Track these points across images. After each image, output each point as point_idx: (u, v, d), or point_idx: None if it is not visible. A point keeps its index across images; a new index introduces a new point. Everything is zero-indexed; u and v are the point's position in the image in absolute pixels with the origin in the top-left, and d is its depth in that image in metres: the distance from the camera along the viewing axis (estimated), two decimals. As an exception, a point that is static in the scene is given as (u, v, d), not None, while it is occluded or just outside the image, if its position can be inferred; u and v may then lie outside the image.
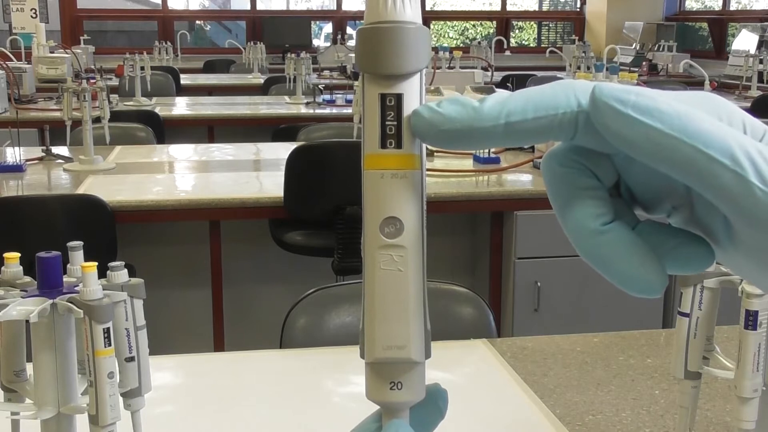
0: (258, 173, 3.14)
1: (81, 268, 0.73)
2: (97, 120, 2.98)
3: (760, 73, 5.79)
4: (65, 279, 0.78)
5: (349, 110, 4.20)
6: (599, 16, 8.95)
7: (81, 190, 2.63)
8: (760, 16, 7.54)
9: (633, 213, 0.36)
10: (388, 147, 0.37)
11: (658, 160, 0.32)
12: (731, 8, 8.23)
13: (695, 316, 0.90)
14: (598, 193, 0.35)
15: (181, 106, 5.00)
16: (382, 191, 0.37)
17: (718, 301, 0.91)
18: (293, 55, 5.01)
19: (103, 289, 0.74)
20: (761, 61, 5.81)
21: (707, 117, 0.32)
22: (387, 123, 0.37)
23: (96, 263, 0.73)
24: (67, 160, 3.07)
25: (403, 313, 0.38)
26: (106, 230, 2.45)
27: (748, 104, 4.87)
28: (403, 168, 0.37)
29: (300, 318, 1.56)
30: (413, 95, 0.37)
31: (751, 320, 0.84)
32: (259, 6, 8.93)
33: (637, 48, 7.93)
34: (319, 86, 5.18)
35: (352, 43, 7.62)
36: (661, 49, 7.69)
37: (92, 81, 3.02)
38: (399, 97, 0.37)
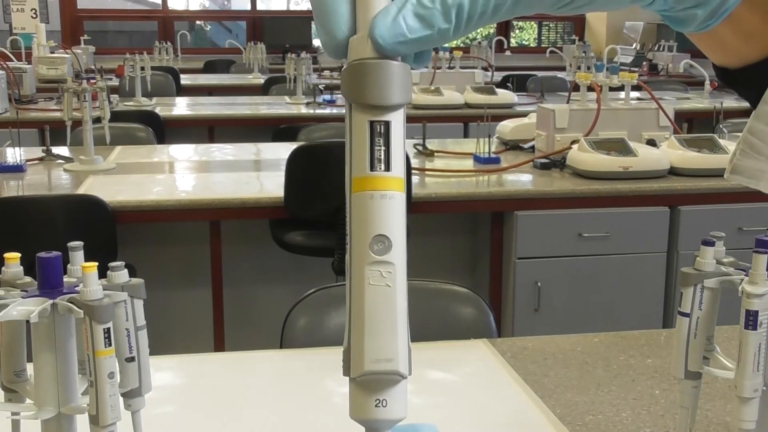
0: (258, 173, 3.14)
1: (81, 269, 0.73)
2: (97, 120, 2.98)
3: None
4: (65, 279, 0.78)
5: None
6: (599, 16, 8.95)
7: (81, 191, 2.63)
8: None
9: None
10: (378, 170, 0.39)
11: None
12: (731, 8, 8.21)
13: (695, 316, 0.90)
14: None
15: (182, 107, 5.00)
16: (372, 211, 0.39)
17: (719, 301, 0.91)
18: (293, 55, 5.01)
19: (104, 290, 0.74)
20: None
21: None
22: (376, 148, 0.39)
23: (96, 263, 0.73)
24: (68, 160, 3.07)
25: (392, 326, 0.40)
26: (106, 230, 2.45)
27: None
28: (391, 189, 0.39)
29: (300, 318, 1.56)
30: (398, 124, 0.40)
31: (752, 320, 0.84)
32: (260, 6, 8.93)
33: (638, 48, 7.94)
34: (320, 86, 5.18)
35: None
36: (661, 49, 7.69)
37: (92, 81, 3.02)
38: (387, 125, 0.39)
